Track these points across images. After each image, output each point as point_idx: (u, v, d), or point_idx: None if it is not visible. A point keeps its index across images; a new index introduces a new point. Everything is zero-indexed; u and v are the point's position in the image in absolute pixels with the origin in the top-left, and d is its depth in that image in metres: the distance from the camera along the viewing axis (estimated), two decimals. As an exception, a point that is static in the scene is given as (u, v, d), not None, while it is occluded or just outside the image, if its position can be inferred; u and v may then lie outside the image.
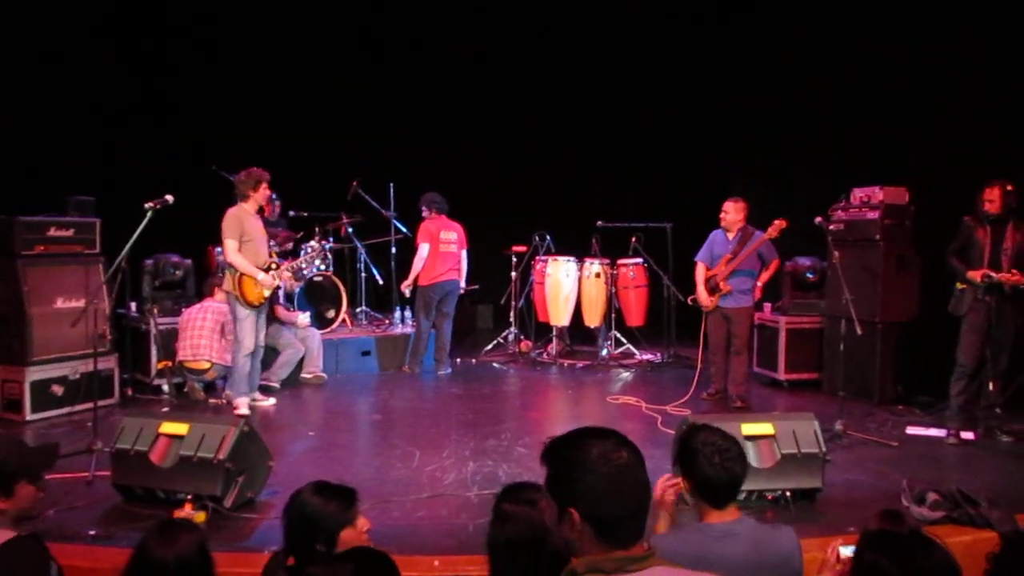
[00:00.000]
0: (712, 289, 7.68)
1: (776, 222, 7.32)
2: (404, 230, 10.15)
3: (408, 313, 10.17)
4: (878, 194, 7.94)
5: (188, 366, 7.74)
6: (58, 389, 7.21)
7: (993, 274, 6.40)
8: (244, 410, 7.24)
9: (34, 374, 7.08)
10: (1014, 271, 6.37)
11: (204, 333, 7.70)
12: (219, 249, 9.34)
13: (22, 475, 3.05)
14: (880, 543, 2.42)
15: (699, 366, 8.09)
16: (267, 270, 7.27)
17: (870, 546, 2.44)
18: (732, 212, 7.71)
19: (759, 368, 8.82)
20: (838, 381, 6.94)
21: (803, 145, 10.02)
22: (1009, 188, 6.44)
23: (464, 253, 9.49)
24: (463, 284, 9.61)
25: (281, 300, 8.65)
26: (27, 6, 8.57)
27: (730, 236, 7.72)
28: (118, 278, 6.45)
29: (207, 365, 7.69)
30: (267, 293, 7.29)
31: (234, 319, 7.33)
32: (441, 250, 9.23)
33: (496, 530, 2.77)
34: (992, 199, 6.47)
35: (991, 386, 6.60)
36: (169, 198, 6.27)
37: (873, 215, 7.90)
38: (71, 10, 8.96)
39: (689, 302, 8.16)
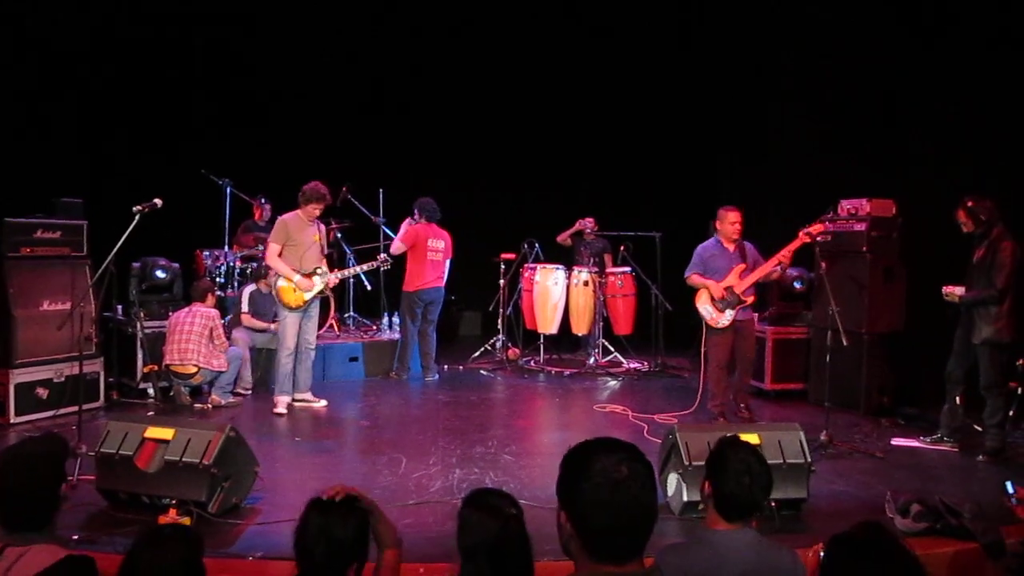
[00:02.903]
0: (729, 304, 7.21)
1: (816, 226, 7.06)
2: (393, 236, 10.14)
3: (396, 319, 10.16)
4: (865, 206, 7.99)
5: (175, 370, 7.71)
6: (43, 392, 7.17)
7: (944, 290, 6.57)
8: (282, 408, 7.63)
9: (19, 377, 7.03)
10: (952, 286, 6.53)
11: (192, 338, 7.67)
12: (206, 253, 9.39)
13: (66, 457, 3.07)
14: (848, 547, 2.46)
15: (702, 384, 7.63)
16: (310, 275, 7.55)
17: (837, 549, 2.48)
18: (740, 222, 7.34)
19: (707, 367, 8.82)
20: (824, 392, 6.97)
21: (790, 155, 10.07)
22: (970, 204, 6.44)
23: (448, 263, 9.50)
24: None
25: (245, 308, 8.62)
26: (22, 7, 8.55)
27: (730, 248, 7.38)
28: (105, 281, 6.42)
29: (194, 370, 7.66)
30: (308, 296, 7.57)
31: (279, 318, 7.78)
32: (429, 258, 9.22)
33: (459, 535, 2.78)
34: (962, 221, 6.52)
35: (958, 400, 6.68)
36: (158, 201, 6.26)
37: (860, 227, 7.95)
38: (65, 11, 8.95)
39: (712, 320, 7.30)
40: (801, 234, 7.04)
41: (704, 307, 7.32)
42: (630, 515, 2.10)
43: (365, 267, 8.48)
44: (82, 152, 9.08)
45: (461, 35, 11.48)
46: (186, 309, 7.96)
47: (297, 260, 7.59)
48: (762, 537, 3.03)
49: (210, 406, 7.69)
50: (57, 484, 2.92)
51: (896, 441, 6.90)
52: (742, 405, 7.54)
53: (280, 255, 7.60)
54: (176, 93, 10.24)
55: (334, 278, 7.80)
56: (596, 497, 2.09)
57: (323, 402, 8.00)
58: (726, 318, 7.23)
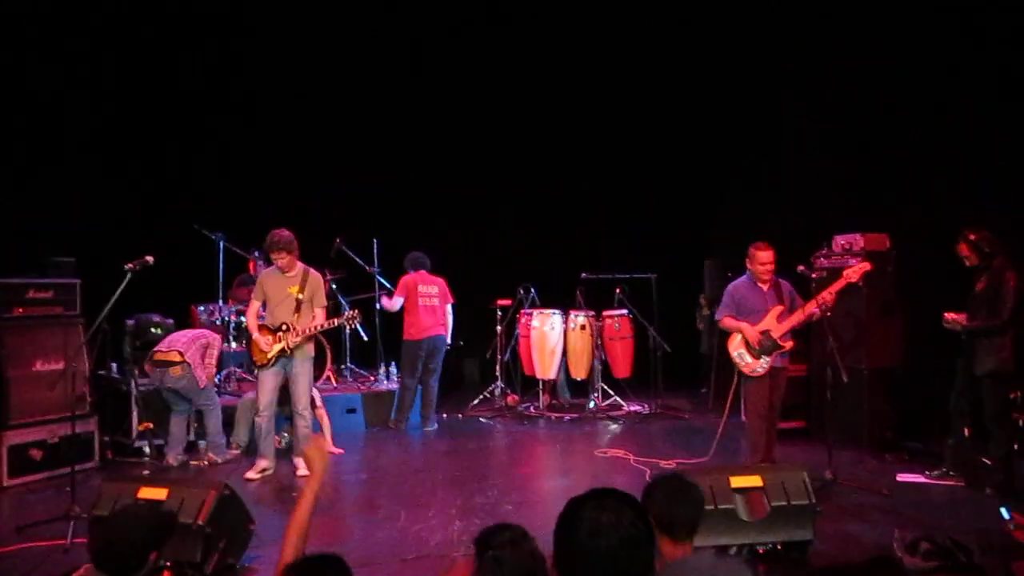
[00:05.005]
0: (766, 350, 6.56)
1: (859, 265, 6.73)
2: (388, 286, 10.12)
3: (394, 369, 10.10)
4: (859, 241, 8.00)
5: (158, 358, 7.59)
6: (37, 453, 7.08)
7: (945, 316, 6.54)
8: (251, 473, 7.21)
9: (12, 438, 6.95)
10: (953, 313, 6.50)
11: (184, 340, 7.70)
12: (201, 308, 9.36)
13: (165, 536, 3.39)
14: None
15: (721, 431, 7.33)
16: (275, 331, 7.20)
17: None
18: (772, 262, 6.66)
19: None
20: (826, 428, 6.89)
21: (785, 192, 10.10)
22: (972, 237, 6.45)
23: (449, 307, 9.46)
24: (449, 340, 9.57)
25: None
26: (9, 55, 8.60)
27: (764, 286, 6.71)
28: (98, 339, 6.37)
29: (178, 359, 7.53)
30: (271, 354, 7.12)
31: None
32: (422, 304, 9.20)
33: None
34: (965, 255, 6.51)
35: (966, 432, 6.62)
36: (149, 259, 6.23)
37: (855, 262, 7.92)
38: (53, 57, 9.01)
39: (748, 368, 6.64)
40: (845, 274, 6.60)
41: (738, 352, 6.66)
42: (615, 562, 2.07)
43: (328, 324, 7.48)
44: (75, 210, 9.05)
45: (454, 80, 11.55)
46: None
47: (269, 315, 7.32)
48: (718, 557, 3.05)
49: (206, 463, 7.60)
50: (145, 550, 3.19)
51: (901, 477, 6.82)
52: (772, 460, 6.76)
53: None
54: (167, 147, 10.27)
55: (292, 338, 7.13)
56: (581, 546, 2.11)
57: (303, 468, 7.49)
58: (762, 365, 6.56)
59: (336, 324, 7.53)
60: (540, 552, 2.71)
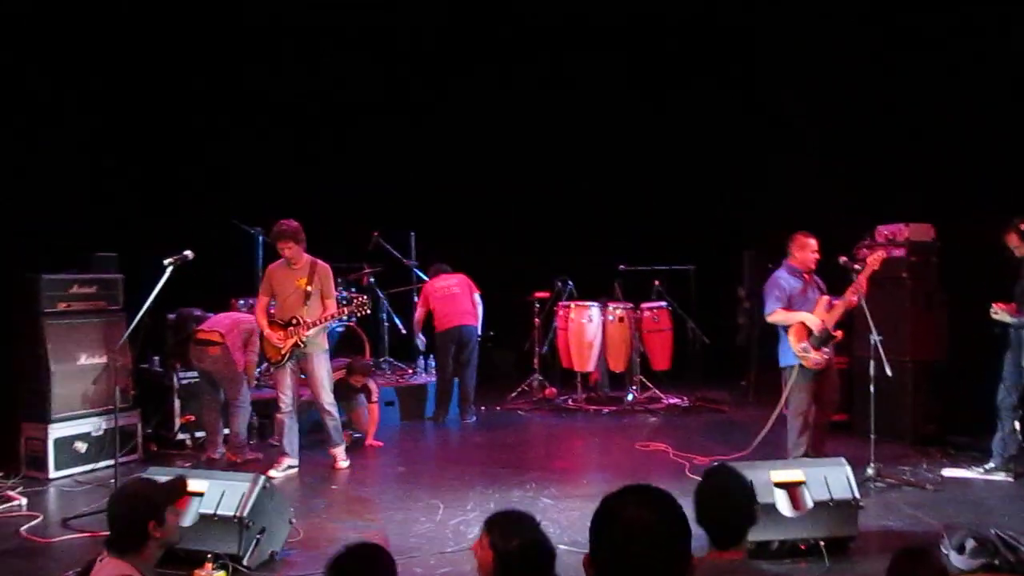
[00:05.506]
0: (823, 341, 6.35)
1: (877, 253, 6.65)
2: (425, 278, 10.15)
3: (432, 362, 10.12)
4: (903, 231, 7.85)
5: (199, 337, 7.54)
6: (81, 446, 7.20)
7: (994, 306, 6.40)
8: (274, 471, 6.95)
9: (57, 431, 7.06)
10: (1003, 304, 6.37)
11: (228, 322, 7.59)
12: (240, 302, 9.43)
13: (167, 502, 3.29)
14: None
15: (768, 429, 6.98)
16: (286, 326, 7.09)
17: None
18: (819, 250, 6.58)
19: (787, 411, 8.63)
20: (869, 423, 6.78)
21: (825, 182, 9.94)
22: (1022, 226, 6.32)
23: (476, 297, 9.49)
24: (480, 330, 9.61)
25: None
26: (55, 57, 8.69)
27: (807, 277, 6.60)
28: (140, 333, 6.44)
29: (218, 339, 7.45)
30: (284, 350, 7.04)
31: None
32: (440, 295, 9.32)
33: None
34: (1014, 244, 6.37)
35: (1017, 426, 6.48)
36: (189, 253, 6.26)
37: (899, 252, 7.79)
38: (97, 65, 9.12)
39: (813, 362, 6.37)
40: (869, 260, 6.49)
41: (803, 346, 6.34)
42: (650, 561, 2.03)
43: (338, 314, 7.42)
44: (115, 205, 9.16)
45: (491, 76, 11.52)
46: None
47: (278, 309, 7.22)
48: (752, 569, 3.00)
49: (225, 462, 7.42)
50: (140, 522, 3.17)
51: (947, 472, 6.70)
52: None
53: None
54: (206, 142, 10.33)
55: (303, 332, 7.01)
56: (614, 544, 2.05)
57: (342, 460, 7.38)
58: (823, 357, 6.36)
59: (346, 314, 7.45)
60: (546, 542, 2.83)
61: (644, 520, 2.05)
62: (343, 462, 7.33)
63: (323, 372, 7.20)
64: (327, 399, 7.21)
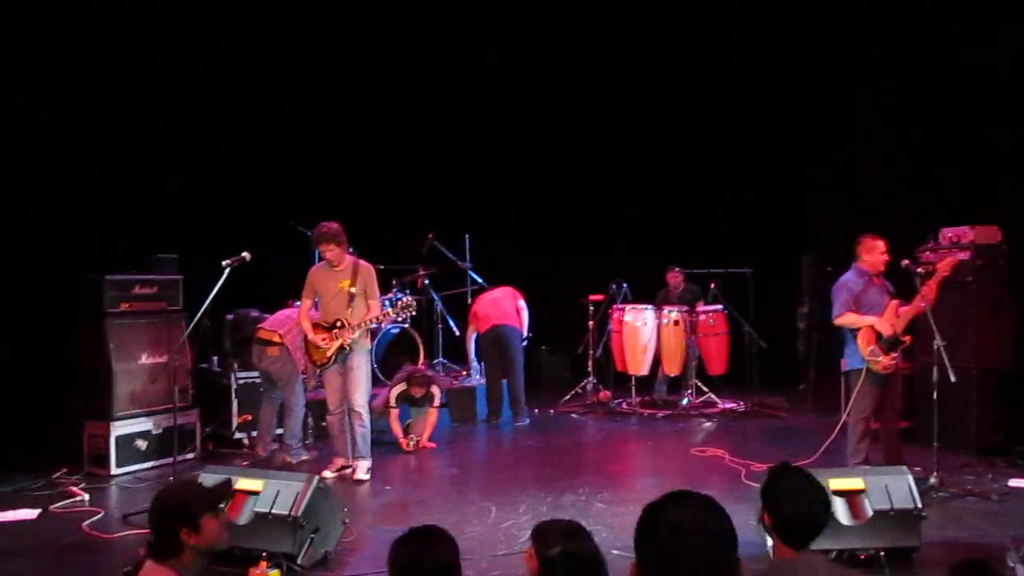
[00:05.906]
0: (893, 346, 6.21)
1: (948, 259, 6.52)
2: (480, 280, 10.16)
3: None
4: (968, 234, 7.62)
5: (260, 336, 7.58)
6: (142, 443, 7.35)
7: None
8: (327, 471, 6.99)
9: (119, 429, 7.22)
10: None
11: (290, 322, 7.53)
12: (297, 303, 9.52)
13: (205, 508, 3.20)
14: None
15: (834, 436, 6.84)
16: (330, 328, 7.03)
17: None
18: (888, 252, 6.44)
19: (849, 417, 8.46)
20: (932, 430, 6.59)
21: (883, 185, 9.73)
22: None
23: (521, 303, 9.59)
24: (525, 333, 9.66)
25: None
26: (110, 65, 8.87)
27: (876, 279, 6.45)
28: (199, 334, 6.55)
29: (277, 339, 7.47)
30: (330, 352, 6.97)
31: None
32: (484, 302, 9.57)
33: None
34: None
35: None
36: (246, 255, 6.36)
37: (964, 256, 7.58)
38: (148, 73, 9.29)
39: (882, 366, 6.20)
40: (939, 266, 6.32)
41: (871, 350, 6.20)
42: (695, 566, 1.99)
43: (383, 316, 7.36)
44: (175, 207, 9.31)
45: (542, 79, 11.49)
46: None
47: (322, 311, 7.13)
48: (832, 563, 2.90)
49: (278, 463, 7.44)
50: (176, 526, 3.12)
51: (1014, 483, 6.48)
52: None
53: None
54: (260, 145, 10.43)
55: (348, 335, 6.93)
56: (660, 549, 2.05)
57: (362, 472, 7.08)
58: (892, 361, 6.20)
59: (392, 317, 7.41)
60: (591, 550, 2.82)
61: (686, 524, 2.03)
62: (363, 474, 7.05)
63: (361, 373, 7.07)
64: (359, 401, 7.05)
